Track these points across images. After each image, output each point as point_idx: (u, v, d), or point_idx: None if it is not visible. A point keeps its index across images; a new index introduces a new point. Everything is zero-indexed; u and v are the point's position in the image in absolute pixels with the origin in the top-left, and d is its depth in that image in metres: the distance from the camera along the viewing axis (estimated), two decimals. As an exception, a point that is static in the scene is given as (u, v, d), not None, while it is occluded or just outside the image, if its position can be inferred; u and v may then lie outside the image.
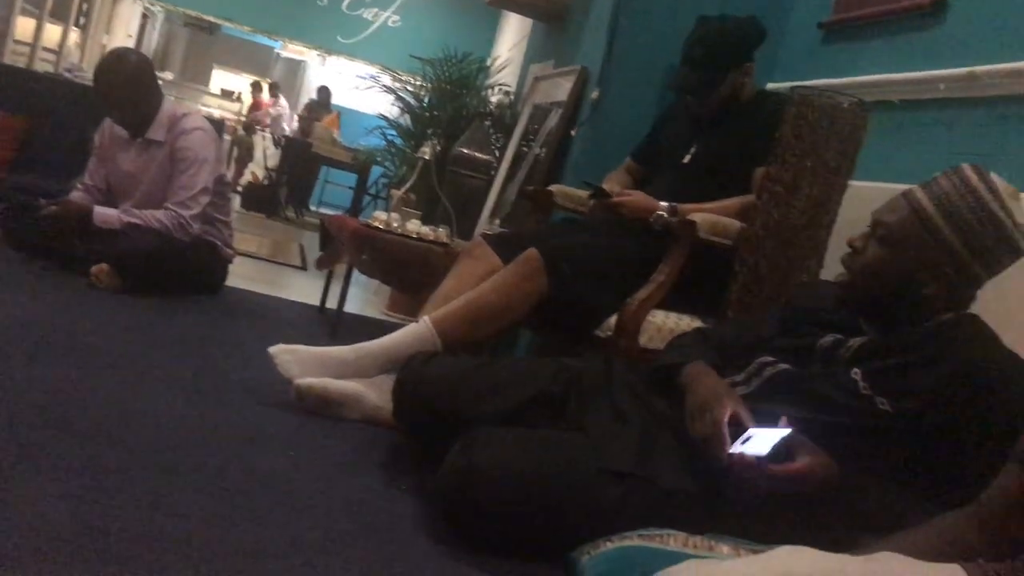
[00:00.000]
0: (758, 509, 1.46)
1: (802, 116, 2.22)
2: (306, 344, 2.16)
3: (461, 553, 1.49)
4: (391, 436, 2.03)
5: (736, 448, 1.45)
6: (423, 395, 1.80)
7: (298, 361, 2.10)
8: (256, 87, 11.82)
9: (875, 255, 1.55)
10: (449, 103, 4.92)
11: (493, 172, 4.10)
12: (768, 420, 1.50)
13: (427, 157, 3.65)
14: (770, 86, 3.00)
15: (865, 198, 1.81)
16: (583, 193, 2.77)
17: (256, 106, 11.42)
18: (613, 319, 2.24)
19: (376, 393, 2.10)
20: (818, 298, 1.75)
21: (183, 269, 3.14)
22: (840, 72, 2.82)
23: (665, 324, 2.26)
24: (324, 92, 10.35)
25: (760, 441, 1.44)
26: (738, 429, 1.48)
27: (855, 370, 1.51)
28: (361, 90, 6.91)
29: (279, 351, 2.11)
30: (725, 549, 1.40)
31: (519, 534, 1.52)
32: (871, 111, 2.26)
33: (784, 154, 2.23)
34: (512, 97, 4.93)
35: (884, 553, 1.03)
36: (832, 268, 1.98)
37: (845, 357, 1.56)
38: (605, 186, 2.56)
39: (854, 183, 2.30)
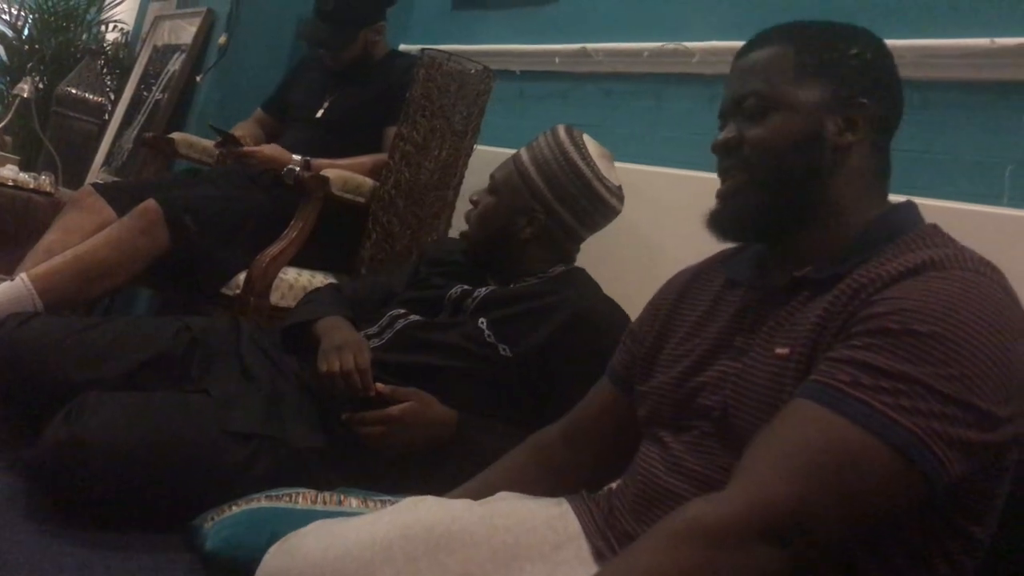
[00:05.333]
0: (384, 461, 1.50)
1: (431, 79, 2.27)
2: None
3: (70, 531, 1.35)
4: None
5: None
6: (19, 360, 1.58)
7: None
8: None
9: (485, 204, 1.77)
10: (54, 36, 4.38)
11: (107, 116, 3.73)
12: (400, 370, 1.56)
13: (25, 95, 3.22)
14: (402, 48, 3.04)
15: (488, 161, 1.91)
16: (209, 142, 2.62)
17: None
18: (242, 276, 2.15)
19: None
20: (448, 253, 1.84)
21: None
22: (468, 39, 2.93)
23: (298, 281, 2.22)
24: None
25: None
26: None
27: (481, 319, 1.61)
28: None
29: None
30: (354, 503, 1.41)
31: (137, 505, 1.41)
32: (495, 79, 2.38)
33: (414, 115, 2.27)
34: (129, 36, 4.52)
35: (500, 493, 1.10)
36: (459, 228, 2.07)
37: (471, 307, 1.65)
38: (235, 134, 2.44)
39: (479, 147, 2.41)
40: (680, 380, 1.02)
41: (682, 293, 1.12)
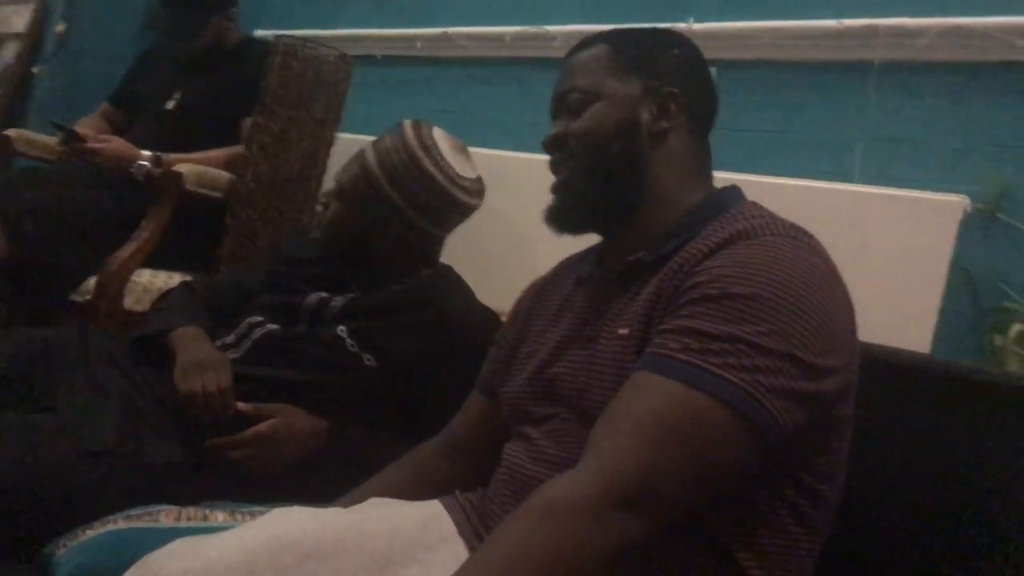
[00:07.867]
0: (249, 473, 1.44)
1: (287, 66, 2.20)
2: None
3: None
4: None
5: None
6: None
7: None
8: None
9: (334, 211, 1.61)
10: None
11: (-67, 112, 3.46)
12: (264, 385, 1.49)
13: None
14: (258, 34, 2.93)
15: (353, 151, 1.84)
16: (51, 138, 2.45)
17: None
18: (92, 281, 2.03)
19: None
20: (306, 250, 1.73)
21: None
22: (325, 24, 2.85)
23: (153, 283, 2.11)
24: None
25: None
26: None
27: (341, 328, 1.52)
28: None
29: None
30: (221, 516, 1.34)
31: (-19, 535, 1.30)
32: (355, 65, 2.31)
33: (271, 104, 2.19)
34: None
35: (372, 500, 1.07)
36: (322, 221, 2.00)
37: (330, 316, 1.57)
38: (78, 130, 2.29)
39: (343, 135, 2.35)
40: (536, 374, 1.04)
41: (536, 298, 1.17)
